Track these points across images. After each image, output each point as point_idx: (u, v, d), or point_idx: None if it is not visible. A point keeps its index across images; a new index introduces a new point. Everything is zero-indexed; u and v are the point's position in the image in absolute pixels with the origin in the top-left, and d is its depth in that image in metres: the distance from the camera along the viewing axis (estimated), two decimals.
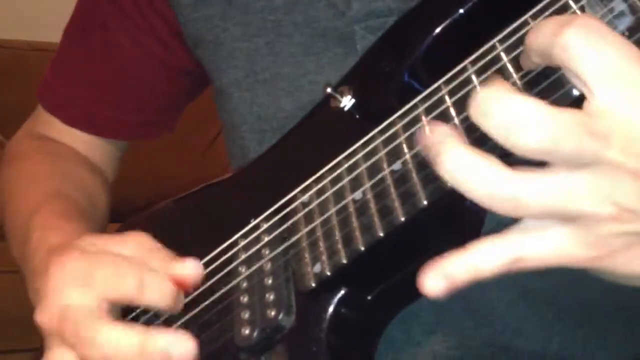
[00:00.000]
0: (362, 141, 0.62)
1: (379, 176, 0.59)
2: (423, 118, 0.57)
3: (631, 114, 0.44)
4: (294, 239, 0.65)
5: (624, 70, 0.44)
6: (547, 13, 0.51)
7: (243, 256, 0.69)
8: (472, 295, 0.72)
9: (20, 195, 0.88)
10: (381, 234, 0.57)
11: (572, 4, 0.50)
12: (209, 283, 0.70)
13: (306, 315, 0.62)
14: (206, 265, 0.71)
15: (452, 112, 0.54)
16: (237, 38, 0.81)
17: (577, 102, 0.49)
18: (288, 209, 0.67)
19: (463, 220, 0.59)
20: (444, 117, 0.55)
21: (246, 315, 0.65)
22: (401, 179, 0.57)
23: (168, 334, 0.58)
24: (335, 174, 0.64)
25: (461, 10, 0.61)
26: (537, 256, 0.48)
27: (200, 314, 0.69)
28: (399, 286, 0.61)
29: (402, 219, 0.56)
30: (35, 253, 0.73)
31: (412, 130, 0.58)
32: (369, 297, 0.62)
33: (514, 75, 0.51)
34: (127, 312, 0.69)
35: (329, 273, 0.60)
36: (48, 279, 0.63)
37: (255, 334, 0.63)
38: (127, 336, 0.59)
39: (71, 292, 0.61)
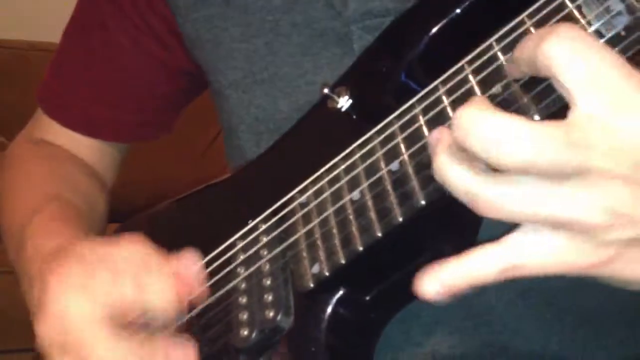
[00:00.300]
0: (359, 142, 0.62)
1: (377, 177, 0.59)
2: (420, 118, 0.57)
3: (614, 120, 0.44)
4: (292, 239, 0.65)
5: (605, 78, 0.44)
6: (543, 12, 0.51)
7: (241, 257, 0.69)
8: (471, 296, 0.72)
9: (18, 199, 0.88)
10: (379, 235, 0.57)
11: (568, 3, 0.49)
12: (207, 284, 0.70)
13: (305, 315, 0.62)
14: (205, 266, 0.71)
15: (449, 111, 0.54)
16: (236, 38, 0.81)
17: None
18: (286, 210, 0.67)
19: (461, 221, 0.59)
20: (441, 117, 0.55)
21: (245, 316, 0.65)
22: (399, 180, 0.57)
23: (168, 342, 0.58)
24: (332, 174, 0.63)
25: (458, 10, 0.61)
26: (535, 263, 0.48)
27: (199, 315, 0.69)
28: (397, 286, 0.61)
29: (400, 219, 0.56)
30: (33, 258, 0.72)
31: (410, 130, 0.58)
32: (368, 298, 0.61)
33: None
34: None
35: (327, 273, 0.60)
36: (46, 288, 0.62)
37: (254, 334, 0.63)
38: (127, 346, 0.59)
39: (70, 302, 0.60)
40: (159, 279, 0.61)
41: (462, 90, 0.54)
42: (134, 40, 0.89)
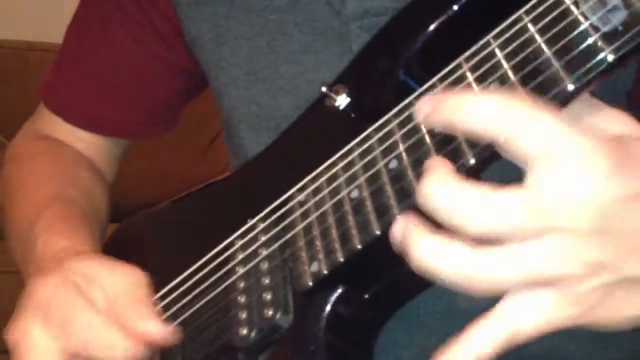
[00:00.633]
0: (357, 139, 0.62)
1: (375, 174, 0.59)
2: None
3: (567, 181, 0.46)
4: (290, 238, 0.65)
5: (555, 143, 0.46)
6: (541, 9, 0.51)
7: (240, 256, 0.69)
8: (472, 298, 0.72)
9: (22, 197, 0.88)
10: (378, 232, 0.57)
11: None
12: (206, 284, 0.70)
13: (304, 314, 0.62)
14: (203, 265, 0.71)
15: None
16: (238, 37, 0.81)
17: (574, 96, 0.49)
18: (285, 209, 0.67)
19: None
20: None
21: (244, 315, 0.65)
22: (397, 177, 0.57)
23: None
24: (331, 172, 0.63)
25: (455, 7, 0.61)
26: (529, 326, 0.49)
27: (197, 314, 0.69)
28: (396, 284, 0.61)
29: (399, 216, 0.55)
30: (39, 258, 0.74)
31: (408, 127, 0.57)
32: (367, 296, 0.61)
33: (509, 71, 0.51)
34: None
35: (325, 272, 0.60)
36: (29, 295, 0.66)
37: (253, 333, 0.63)
38: None
39: (33, 324, 0.64)
40: (115, 336, 0.63)
41: (460, 86, 0.54)
42: (136, 38, 0.90)
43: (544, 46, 0.50)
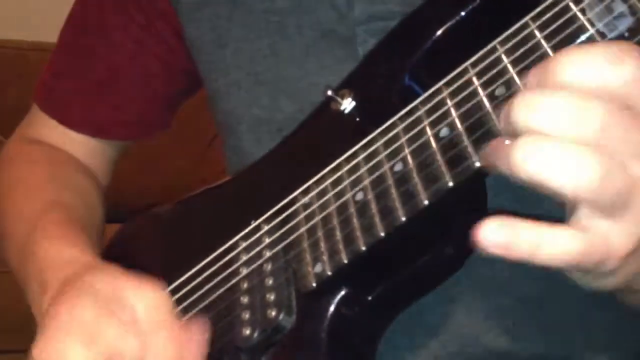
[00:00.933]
0: (362, 143, 0.63)
1: (380, 177, 0.59)
2: (424, 119, 0.57)
3: None
4: (294, 239, 0.65)
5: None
6: (547, 15, 0.51)
7: (244, 257, 0.69)
8: (473, 301, 0.73)
9: (18, 205, 0.87)
10: (382, 234, 0.57)
11: (572, 6, 0.50)
12: (210, 285, 0.70)
13: (307, 315, 0.63)
14: (207, 266, 0.71)
15: (453, 113, 0.55)
16: (240, 38, 0.81)
17: None
18: (289, 211, 0.67)
19: (464, 222, 0.59)
20: (445, 119, 0.55)
21: (247, 315, 0.65)
22: (402, 180, 0.57)
23: None
24: (336, 175, 0.64)
25: (462, 13, 0.61)
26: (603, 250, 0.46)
27: (200, 314, 0.69)
28: (399, 287, 0.61)
29: (403, 219, 0.56)
30: (42, 269, 0.72)
31: (414, 131, 0.58)
32: (370, 298, 0.62)
33: (515, 76, 0.52)
34: None
35: (329, 273, 0.60)
36: (55, 316, 0.63)
37: (255, 334, 0.64)
38: None
39: (74, 346, 0.61)
40: (165, 345, 0.61)
41: (466, 92, 0.54)
42: (136, 40, 0.89)
43: (550, 52, 0.50)
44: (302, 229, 0.64)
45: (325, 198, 0.64)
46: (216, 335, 0.68)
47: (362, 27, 0.74)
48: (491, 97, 0.52)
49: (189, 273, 0.72)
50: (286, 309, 0.63)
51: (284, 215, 0.67)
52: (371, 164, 0.61)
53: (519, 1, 0.54)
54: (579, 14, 0.49)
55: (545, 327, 0.74)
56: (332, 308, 0.61)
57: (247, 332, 0.64)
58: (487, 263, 0.70)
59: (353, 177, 0.62)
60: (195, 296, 0.71)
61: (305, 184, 0.66)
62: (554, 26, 0.51)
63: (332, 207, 0.62)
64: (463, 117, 0.54)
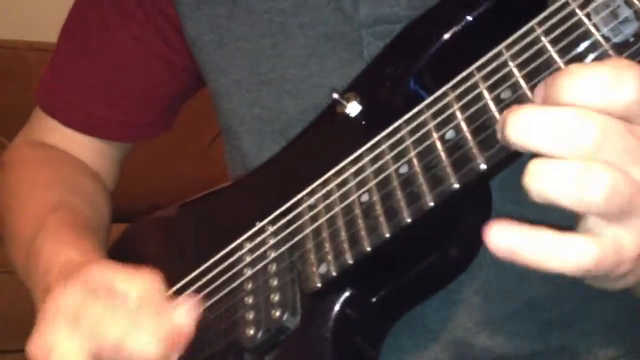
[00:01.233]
0: (368, 145, 0.63)
1: (386, 179, 0.59)
2: (429, 122, 0.58)
3: None
4: (300, 240, 0.65)
5: None
6: (553, 20, 0.51)
7: (248, 258, 0.69)
8: (475, 303, 0.73)
9: (23, 207, 0.87)
10: (387, 235, 0.57)
11: (577, 11, 0.50)
12: (214, 285, 0.70)
13: (311, 316, 0.63)
14: (212, 267, 0.72)
15: (459, 116, 0.55)
16: (241, 38, 0.81)
17: None
18: (294, 212, 0.67)
19: (469, 224, 0.60)
20: (450, 121, 0.56)
21: (251, 315, 0.65)
22: (407, 181, 0.57)
23: None
24: (341, 177, 0.64)
25: (469, 17, 0.62)
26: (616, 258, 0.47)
27: (205, 314, 0.70)
28: (404, 288, 0.62)
29: (409, 220, 0.56)
30: (47, 272, 0.73)
31: (419, 134, 0.58)
32: (374, 299, 0.62)
33: (520, 80, 0.52)
34: None
35: (334, 273, 0.60)
36: (45, 307, 0.64)
37: (260, 334, 0.64)
38: None
39: (60, 331, 0.62)
40: (151, 327, 0.61)
41: (472, 95, 0.55)
42: (137, 39, 0.89)
43: (555, 56, 0.50)
44: (308, 230, 0.65)
45: (330, 199, 0.64)
46: (220, 335, 0.68)
47: (367, 29, 0.73)
48: (497, 100, 0.53)
49: (194, 274, 0.72)
50: (291, 310, 0.63)
51: (289, 216, 0.67)
52: (377, 165, 0.61)
53: (524, 6, 0.54)
54: (585, 19, 0.50)
55: (546, 327, 0.74)
56: (336, 309, 0.62)
57: (252, 332, 0.64)
58: (490, 266, 0.71)
59: (359, 178, 0.62)
60: (200, 296, 0.71)
61: (310, 185, 0.67)
62: (559, 31, 0.51)
63: (338, 208, 0.63)
64: (469, 120, 0.54)
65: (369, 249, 0.58)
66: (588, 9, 0.50)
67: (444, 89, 0.58)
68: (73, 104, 0.94)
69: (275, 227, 0.68)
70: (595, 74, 0.45)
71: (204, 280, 0.72)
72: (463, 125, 0.54)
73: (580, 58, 0.50)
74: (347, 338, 0.62)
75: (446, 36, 0.62)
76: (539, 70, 0.51)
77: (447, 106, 0.57)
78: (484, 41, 0.56)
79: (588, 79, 0.45)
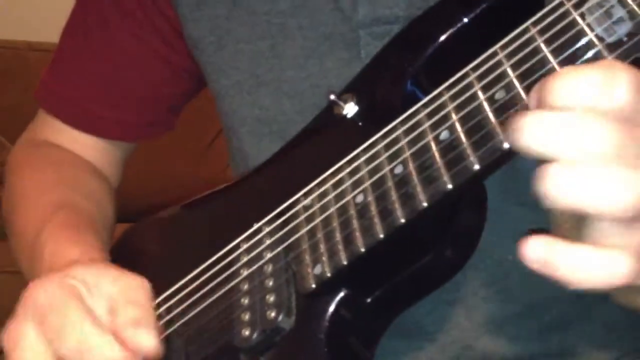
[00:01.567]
0: (364, 146, 0.63)
1: (381, 179, 0.59)
2: (424, 122, 0.58)
3: None
4: (295, 241, 0.65)
5: None
6: (548, 20, 0.51)
7: (245, 259, 0.69)
8: (473, 304, 0.73)
9: (27, 206, 0.87)
10: (381, 236, 0.57)
11: (572, 11, 0.50)
12: (210, 285, 0.70)
13: (306, 316, 0.63)
14: (209, 268, 0.72)
15: (453, 116, 0.55)
16: (240, 39, 0.81)
17: None
18: (290, 213, 0.67)
19: (463, 224, 0.60)
20: (445, 122, 0.56)
21: (246, 316, 0.65)
22: (402, 182, 0.57)
23: None
24: (337, 178, 0.64)
25: (465, 19, 0.61)
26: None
27: (201, 315, 0.70)
28: (399, 289, 0.62)
29: (403, 220, 0.56)
30: (48, 268, 0.73)
31: (414, 134, 0.58)
32: (369, 300, 0.62)
33: (514, 80, 0.52)
34: None
35: (329, 274, 0.61)
36: (25, 300, 0.64)
37: (255, 335, 0.64)
38: None
39: (27, 327, 0.63)
40: (107, 347, 0.61)
41: (466, 95, 0.55)
42: (138, 39, 0.89)
43: (549, 56, 0.50)
44: (303, 231, 0.65)
45: (326, 199, 0.64)
46: (216, 336, 0.68)
47: (365, 30, 0.74)
48: (491, 100, 0.53)
49: (191, 275, 0.72)
50: (286, 310, 0.63)
51: (285, 217, 0.67)
52: (372, 166, 0.61)
53: (521, 6, 0.54)
54: (579, 19, 0.50)
55: (546, 328, 0.74)
56: (331, 309, 0.62)
57: (247, 332, 0.64)
58: (489, 267, 0.71)
59: (354, 179, 0.62)
60: (196, 297, 0.71)
61: (306, 186, 0.67)
62: (553, 30, 0.51)
63: (333, 209, 0.63)
64: (463, 120, 0.54)
65: (363, 249, 0.58)
66: (582, 9, 0.50)
67: (439, 89, 0.58)
68: (73, 103, 0.94)
69: (271, 227, 0.68)
70: (587, 77, 0.44)
71: (200, 280, 0.72)
72: (457, 125, 0.54)
73: (574, 58, 0.50)
74: (342, 339, 0.62)
75: (442, 38, 0.62)
76: (533, 70, 0.51)
77: (441, 106, 0.57)
78: (480, 43, 0.56)
79: (579, 82, 0.44)
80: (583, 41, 0.49)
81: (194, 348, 0.69)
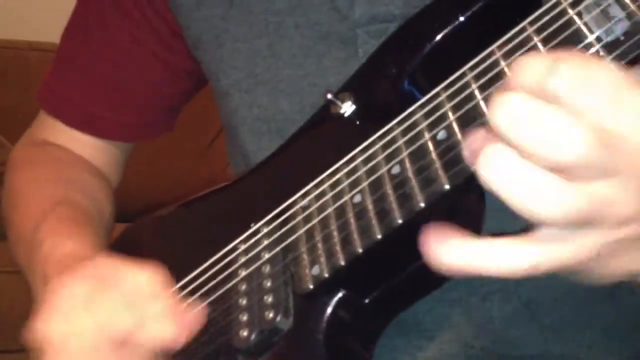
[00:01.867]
0: (361, 146, 0.63)
1: (378, 180, 0.59)
2: (421, 122, 0.57)
3: None
4: (293, 242, 0.65)
5: None
6: (545, 19, 0.51)
7: (243, 259, 0.69)
8: (472, 304, 0.73)
9: (26, 203, 0.88)
10: (379, 236, 0.57)
11: (569, 10, 0.50)
12: (208, 286, 0.70)
13: (304, 317, 0.63)
14: (207, 269, 0.72)
15: (451, 116, 0.55)
16: (238, 39, 0.81)
17: None
18: (288, 214, 0.67)
19: (461, 224, 0.59)
20: (442, 121, 0.55)
21: (245, 317, 0.65)
22: (399, 183, 0.57)
23: None
24: (334, 178, 0.64)
25: (462, 18, 0.61)
26: (560, 260, 0.46)
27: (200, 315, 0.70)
28: (396, 289, 0.62)
29: (400, 221, 0.56)
30: (46, 262, 0.73)
31: (411, 134, 0.58)
32: (367, 300, 0.62)
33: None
34: None
35: (326, 275, 0.60)
36: (53, 292, 0.64)
37: (253, 335, 0.64)
38: None
39: (77, 316, 0.63)
40: (159, 317, 0.62)
41: (463, 95, 0.55)
42: (136, 40, 0.89)
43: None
44: (300, 231, 0.65)
45: (323, 200, 0.64)
46: (214, 336, 0.68)
47: (362, 28, 0.74)
48: (488, 100, 0.52)
49: (190, 275, 0.72)
50: (283, 311, 0.63)
51: (282, 217, 0.67)
52: (369, 166, 0.61)
53: (518, 5, 0.54)
54: (576, 18, 0.50)
55: (545, 328, 0.74)
56: (329, 310, 0.62)
57: (245, 333, 0.64)
58: None
59: (351, 179, 0.62)
60: (194, 297, 0.71)
61: (304, 187, 0.67)
62: (550, 29, 0.51)
63: (330, 210, 0.63)
64: (460, 120, 0.54)
65: (360, 250, 0.58)
66: (579, 8, 0.50)
67: (436, 89, 0.58)
68: (73, 104, 0.94)
69: (269, 228, 0.68)
70: (528, 63, 0.44)
71: (199, 281, 0.72)
72: (454, 125, 0.54)
73: None
74: (340, 339, 0.62)
75: (439, 37, 0.62)
76: None
77: (439, 106, 0.56)
78: (478, 41, 0.56)
79: (521, 69, 0.44)
80: (579, 39, 0.49)
81: (192, 348, 0.69)
